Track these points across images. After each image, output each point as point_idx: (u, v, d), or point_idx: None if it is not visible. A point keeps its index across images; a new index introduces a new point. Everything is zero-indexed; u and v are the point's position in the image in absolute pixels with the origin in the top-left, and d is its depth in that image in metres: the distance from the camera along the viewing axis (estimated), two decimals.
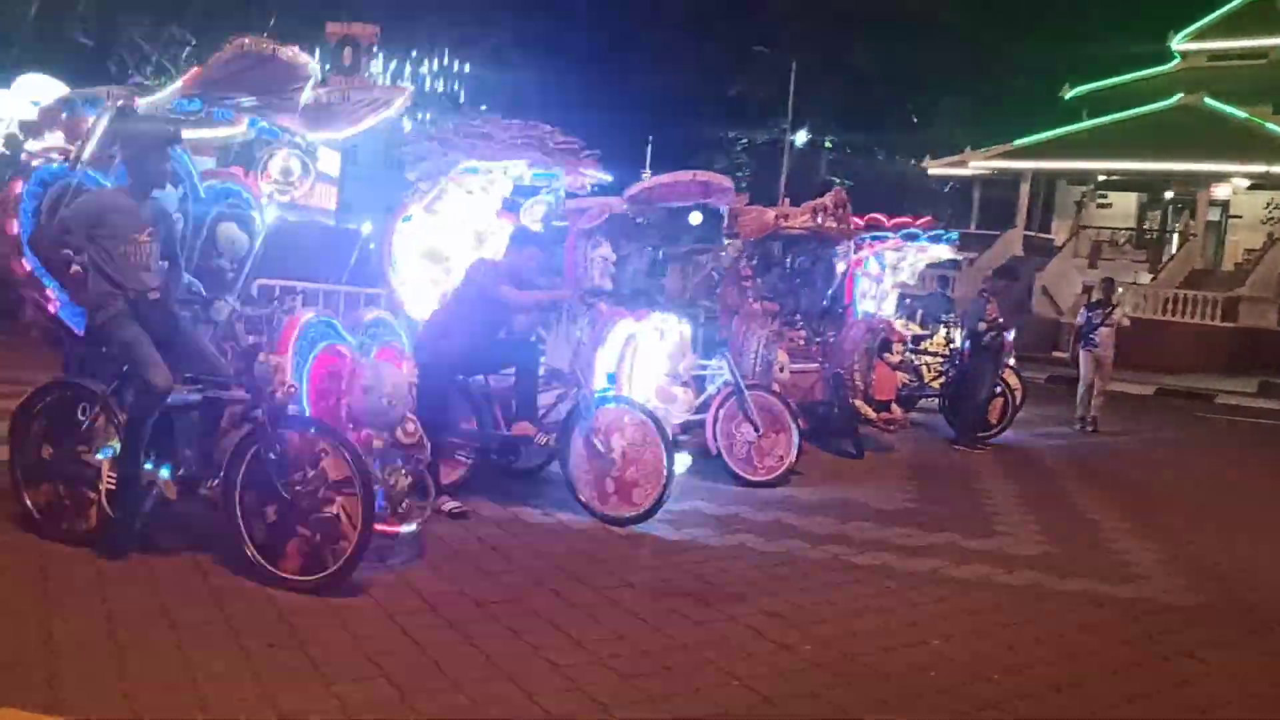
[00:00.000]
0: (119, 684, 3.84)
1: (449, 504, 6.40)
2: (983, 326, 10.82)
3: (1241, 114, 28.25)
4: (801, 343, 10.26)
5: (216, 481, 5.08)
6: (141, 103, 5.16)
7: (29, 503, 5.36)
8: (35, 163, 5.33)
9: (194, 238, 6.03)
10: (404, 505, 5.33)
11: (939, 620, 5.38)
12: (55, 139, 5.36)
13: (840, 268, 11.57)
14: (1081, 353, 13.49)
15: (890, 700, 4.36)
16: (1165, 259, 29.70)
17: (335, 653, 4.27)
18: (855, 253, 11.82)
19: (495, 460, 6.96)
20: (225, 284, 6.11)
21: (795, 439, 8.18)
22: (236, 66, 4.97)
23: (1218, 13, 32.51)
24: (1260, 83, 29.96)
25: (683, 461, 7.11)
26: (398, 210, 6.89)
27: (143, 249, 5.20)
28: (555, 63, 39.72)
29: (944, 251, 13.23)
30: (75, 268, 5.22)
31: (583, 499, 6.69)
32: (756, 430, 8.11)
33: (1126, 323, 13.82)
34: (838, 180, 39.09)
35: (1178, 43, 33.40)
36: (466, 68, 33.72)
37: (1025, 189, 32.45)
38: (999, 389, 11.59)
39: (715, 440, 8.11)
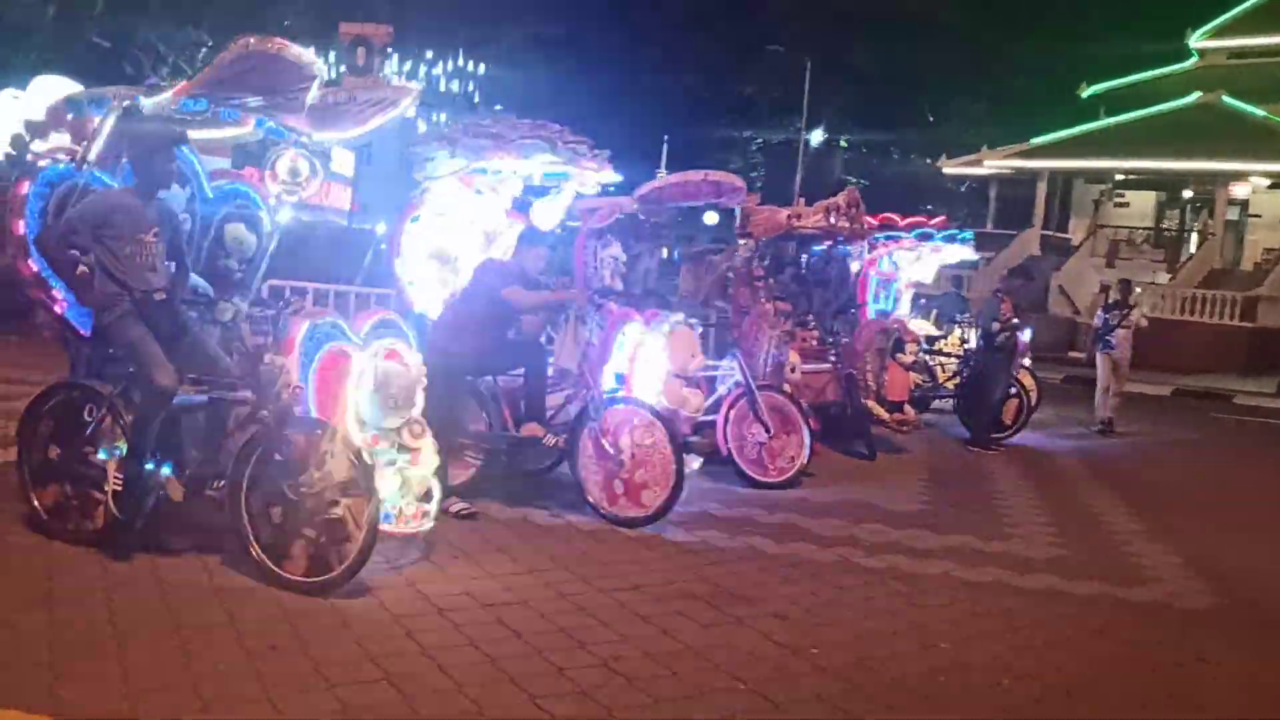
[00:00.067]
0: (121, 685, 3.83)
1: (457, 505, 6.38)
2: (996, 326, 10.75)
3: (1261, 112, 28.01)
4: (814, 343, 10.20)
5: (222, 482, 5.07)
6: (147, 103, 5.14)
7: (37, 503, 5.36)
8: (41, 163, 5.33)
9: (201, 238, 6.03)
10: (410, 507, 5.32)
11: (949, 624, 5.32)
12: (61, 139, 5.36)
13: (854, 268, 11.52)
14: (1099, 355, 13.32)
15: (899, 705, 4.31)
16: (1183, 258, 29.49)
17: (338, 655, 4.25)
18: (869, 253, 11.77)
19: (504, 461, 6.93)
20: (233, 284, 6.09)
21: (806, 440, 8.13)
22: (242, 66, 4.95)
23: (1236, 10, 32.27)
24: None
25: (691, 463, 7.07)
26: (406, 210, 6.87)
27: (149, 249, 5.20)
28: (570, 63, 39.74)
29: (963, 252, 13.16)
30: (82, 268, 5.21)
31: (591, 500, 6.66)
32: (768, 431, 8.07)
33: (1144, 324, 13.64)
34: (853, 180, 38.97)
35: (1196, 40, 33.17)
36: (481, 68, 33.72)
37: (1042, 188, 32.27)
38: (1013, 389, 11.51)
39: (726, 441, 8.06)
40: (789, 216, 9.93)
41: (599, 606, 5.10)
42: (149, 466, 5.08)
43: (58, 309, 5.30)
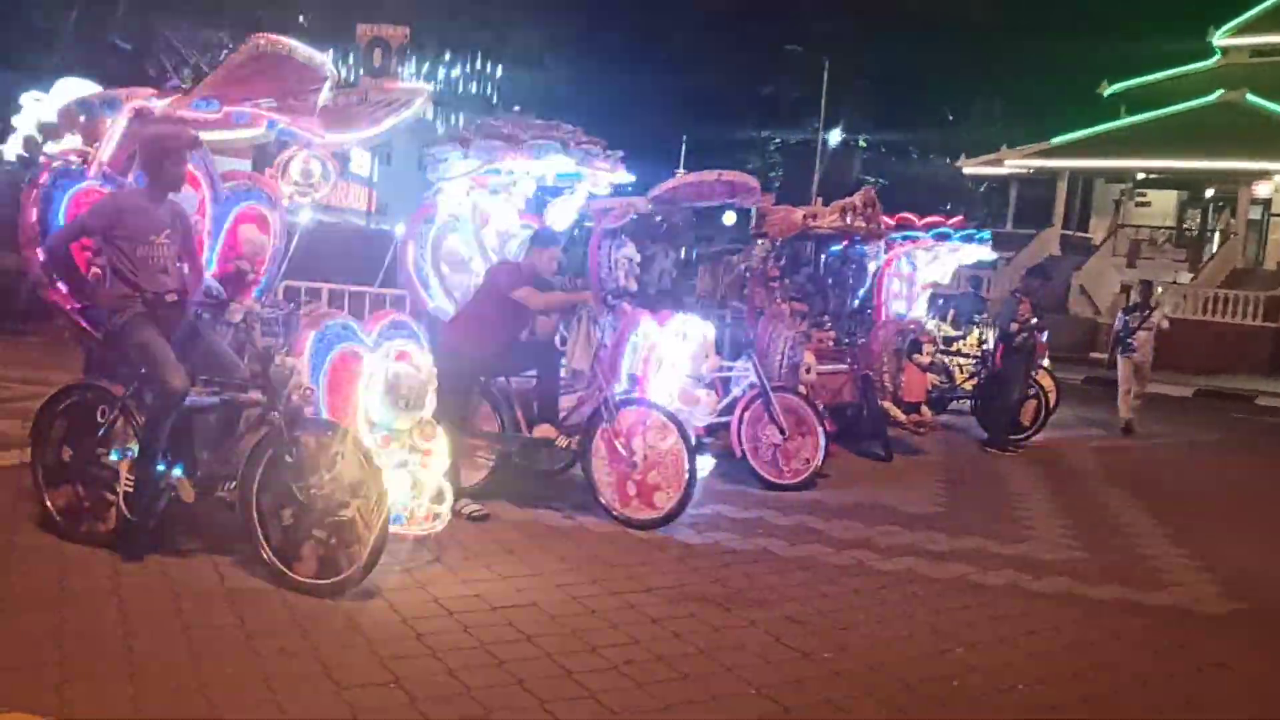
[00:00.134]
0: (128, 688, 3.82)
1: (469, 507, 6.36)
2: (1014, 327, 10.66)
3: None
4: (830, 344, 10.14)
5: (233, 484, 5.07)
6: (158, 105, 5.15)
7: (49, 504, 5.38)
8: (54, 165, 5.34)
9: (214, 240, 6.02)
10: (421, 509, 5.31)
11: (964, 628, 5.27)
12: (73, 141, 5.37)
13: (871, 268, 11.46)
14: (1119, 358, 13.14)
15: (912, 710, 4.27)
16: (1205, 258, 29.25)
17: (348, 658, 4.23)
18: (886, 253, 11.70)
19: (517, 462, 6.92)
20: (245, 286, 6.09)
21: (821, 441, 8.08)
22: (253, 68, 4.95)
23: (1260, 7, 31.94)
24: None
25: (705, 464, 7.03)
26: (419, 212, 6.87)
27: (160, 251, 5.20)
28: (588, 64, 39.81)
29: (981, 252, 13.06)
30: (94, 270, 5.22)
31: (604, 502, 6.63)
32: (782, 433, 8.02)
33: (1166, 325, 13.46)
34: (871, 180, 38.84)
35: (1218, 38, 32.87)
36: (499, 70, 33.80)
37: (1062, 188, 32.06)
38: (1032, 390, 11.42)
39: (740, 442, 8.02)
40: (805, 217, 9.89)
41: (610, 609, 5.08)
42: (160, 468, 5.08)
43: (70, 310, 5.31)
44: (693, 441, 6.67)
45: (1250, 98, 28.08)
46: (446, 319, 6.88)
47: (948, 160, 38.88)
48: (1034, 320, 10.78)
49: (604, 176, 7.15)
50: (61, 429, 5.37)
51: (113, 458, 5.18)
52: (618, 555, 5.99)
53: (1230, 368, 22.23)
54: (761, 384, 8.05)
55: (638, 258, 8.02)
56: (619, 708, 4.02)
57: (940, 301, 14.02)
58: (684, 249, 10.45)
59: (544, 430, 6.58)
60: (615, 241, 7.89)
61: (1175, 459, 12.13)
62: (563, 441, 6.61)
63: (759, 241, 10.10)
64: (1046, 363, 12.14)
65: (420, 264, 7.00)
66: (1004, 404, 10.96)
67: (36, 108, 11.16)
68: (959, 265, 14.39)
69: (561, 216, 7.49)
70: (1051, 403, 11.77)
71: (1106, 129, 30.90)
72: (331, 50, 25.95)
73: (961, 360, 12.44)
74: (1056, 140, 31.44)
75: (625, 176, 7.21)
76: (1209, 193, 32.06)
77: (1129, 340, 12.90)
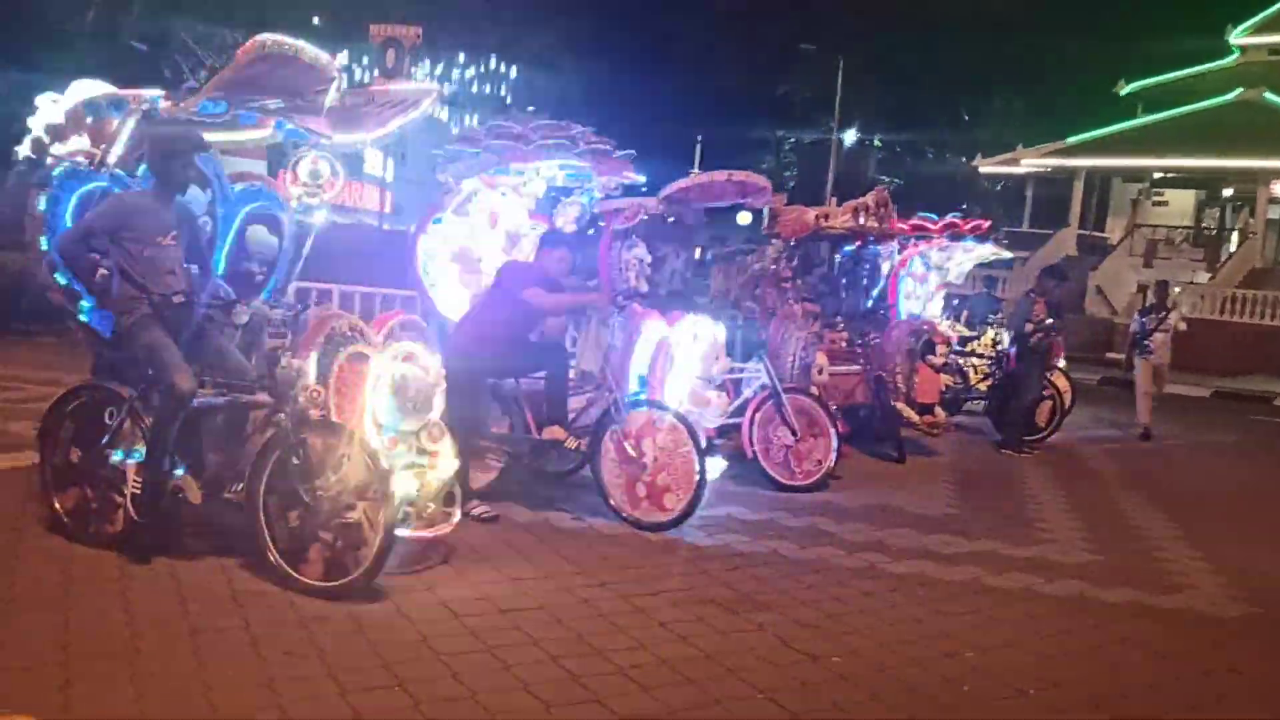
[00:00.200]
0: (131, 690, 3.82)
1: (478, 508, 6.35)
2: (1029, 328, 10.59)
3: None
4: (843, 345, 10.09)
5: (240, 485, 5.06)
6: (165, 106, 5.15)
7: (58, 505, 5.39)
8: (61, 166, 5.34)
9: (222, 241, 6.02)
10: (429, 510, 5.29)
11: (975, 631, 5.22)
12: (80, 142, 5.37)
13: (884, 268, 11.40)
14: (1137, 361, 12.97)
15: (920, 714, 4.23)
16: (1224, 258, 29.07)
17: (352, 661, 4.22)
18: (900, 253, 11.64)
19: (526, 464, 6.90)
20: (255, 287, 6.09)
21: (834, 443, 8.03)
22: (259, 69, 4.94)
23: (1278, 5, 31.72)
24: None
25: (715, 466, 7.00)
26: (428, 212, 6.86)
27: (168, 252, 5.20)
28: (603, 64, 39.79)
29: (996, 251, 12.97)
30: (101, 271, 5.22)
31: (614, 503, 6.61)
32: (794, 434, 7.98)
33: (1183, 327, 13.29)
34: (886, 180, 38.74)
35: (1236, 37, 32.64)
36: (513, 70, 33.81)
37: (1079, 187, 31.92)
38: (1047, 391, 11.34)
39: (751, 444, 7.98)
40: (817, 217, 9.84)
41: (618, 612, 5.05)
42: (168, 469, 5.08)
43: (78, 312, 5.32)
44: (703, 443, 6.64)
45: (1269, 96, 27.89)
46: (455, 320, 6.85)
47: (963, 159, 38.77)
48: (1049, 320, 10.69)
49: (614, 177, 7.11)
50: (70, 430, 5.38)
51: (120, 459, 5.18)
52: (627, 557, 5.96)
53: (1248, 369, 22.06)
54: (773, 385, 8.01)
55: (649, 258, 7.98)
56: (624, 712, 3.99)
57: (955, 302, 13.96)
58: (698, 249, 10.41)
59: (553, 432, 6.55)
60: (626, 242, 7.85)
61: (1191, 461, 12.03)
62: (572, 443, 6.59)
63: (772, 242, 10.06)
64: (1062, 363, 12.05)
65: (429, 265, 6.98)
66: (1019, 405, 10.89)
67: (53, 109, 11.22)
68: (975, 265, 14.34)
69: (571, 217, 7.46)
70: (1067, 404, 11.68)
71: (1124, 128, 30.74)
72: (346, 51, 26.11)
73: (976, 361, 12.36)
74: (1073, 139, 31.29)
75: (635, 177, 7.18)
76: (1227, 192, 31.87)
77: (1146, 342, 12.75)
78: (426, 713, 3.84)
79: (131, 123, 5.18)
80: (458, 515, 5.50)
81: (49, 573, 4.92)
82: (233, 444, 5.28)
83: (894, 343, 9.96)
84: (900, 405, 9.73)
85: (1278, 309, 24.20)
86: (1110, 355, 23.62)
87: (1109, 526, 7.79)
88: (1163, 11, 37.37)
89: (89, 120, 5.31)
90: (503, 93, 34.66)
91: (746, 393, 8.28)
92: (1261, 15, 32.07)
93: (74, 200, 5.33)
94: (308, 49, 5.01)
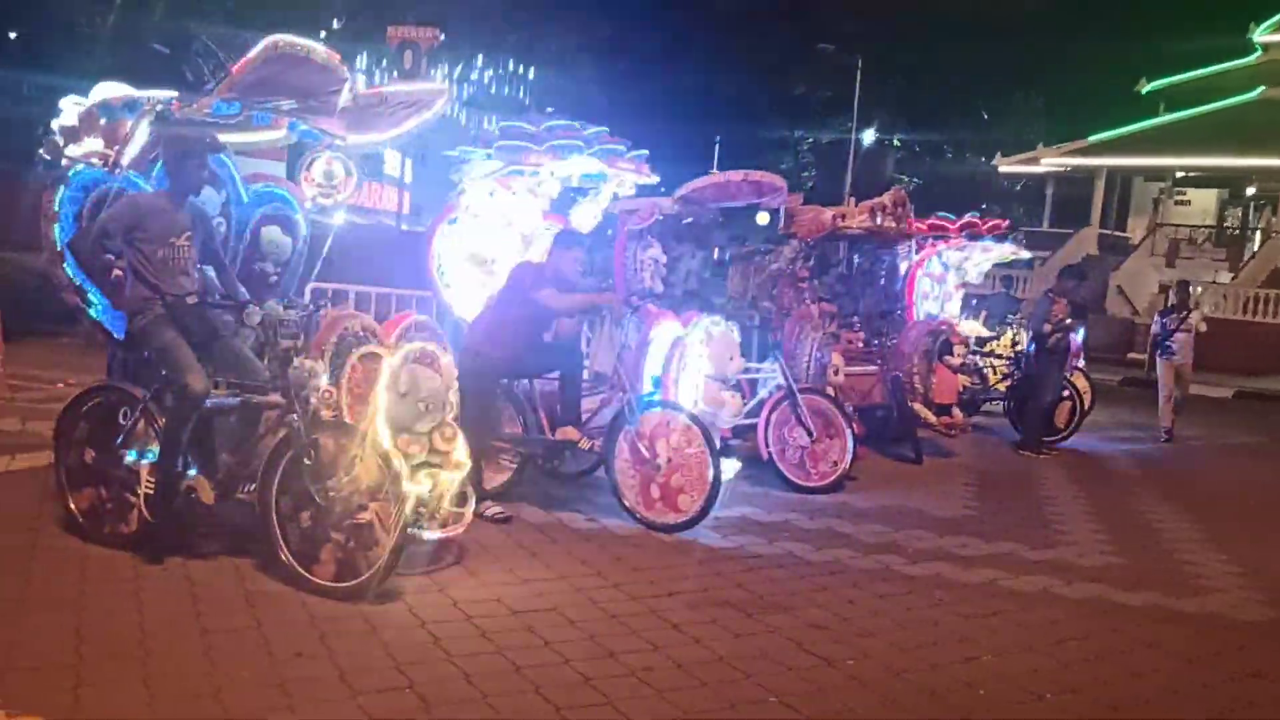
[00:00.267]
0: (142, 691, 3.81)
1: (492, 509, 6.33)
2: (1048, 328, 10.50)
3: None
4: (860, 345, 10.05)
5: (253, 486, 5.06)
6: (177, 106, 5.15)
7: (72, 506, 5.40)
8: (76, 168, 5.35)
9: (237, 241, 6.03)
10: (441, 511, 5.27)
11: (992, 635, 5.16)
12: (94, 144, 5.38)
13: (902, 268, 11.34)
14: (1159, 362, 12.82)
15: (935, 719, 4.18)
16: (1246, 257, 28.82)
17: (363, 662, 4.20)
18: (917, 253, 11.58)
19: (540, 465, 6.88)
20: (269, 287, 6.10)
21: (849, 444, 7.98)
22: (270, 69, 4.93)
23: None
24: None
25: (730, 467, 6.97)
26: (442, 213, 6.85)
27: (181, 253, 5.20)
28: (621, 64, 39.77)
29: (1015, 251, 12.88)
30: (115, 271, 5.23)
31: (627, 505, 6.58)
32: (810, 435, 7.93)
33: (1204, 328, 13.14)
34: (905, 179, 38.61)
35: (1259, 35, 32.28)
36: (531, 72, 33.83)
37: (1100, 186, 31.75)
38: (1066, 392, 11.24)
39: (767, 445, 7.94)
40: (834, 217, 9.80)
41: (631, 614, 5.02)
42: (181, 470, 5.08)
43: (92, 312, 5.33)
44: (717, 444, 6.60)
45: None
46: (469, 320, 6.84)
47: (983, 159, 38.60)
48: (1068, 321, 10.60)
49: (628, 177, 7.09)
50: (84, 431, 5.39)
51: (134, 459, 5.18)
52: (641, 559, 5.93)
53: (1271, 369, 21.85)
54: (788, 386, 7.97)
55: (664, 259, 7.95)
56: (636, 715, 3.96)
57: (973, 302, 13.87)
58: (716, 249, 10.37)
59: (567, 432, 6.53)
60: (641, 242, 7.83)
61: (1214, 462, 11.92)
62: (585, 444, 6.57)
63: (789, 242, 10.02)
64: (1081, 363, 11.95)
65: (444, 265, 6.97)
66: (1037, 405, 10.80)
67: (77, 111, 11.30)
68: (993, 265, 14.25)
69: (586, 218, 7.43)
70: (1086, 404, 11.58)
71: (1145, 127, 30.56)
72: (366, 54, 26.18)
73: (995, 361, 12.28)
74: (1094, 138, 31.12)
75: (649, 177, 7.15)
76: (1250, 191, 31.63)
77: (1168, 343, 12.61)
78: (437, 714, 3.82)
79: (144, 124, 5.18)
80: (470, 515, 5.48)
81: (63, 573, 4.93)
82: (245, 445, 5.27)
83: (911, 343, 9.90)
84: (917, 406, 9.66)
85: None
86: (1131, 356, 23.48)
87: (1129, 528, 7.71)
88: (1184, 10, 37.14)
89: (103, 122, 5.32)
90: (521, 94, 34.69)
91: (762, 393, 8.24)
92: None
93: (88, 201, 5.34)
94: (319, 49, 5.00)
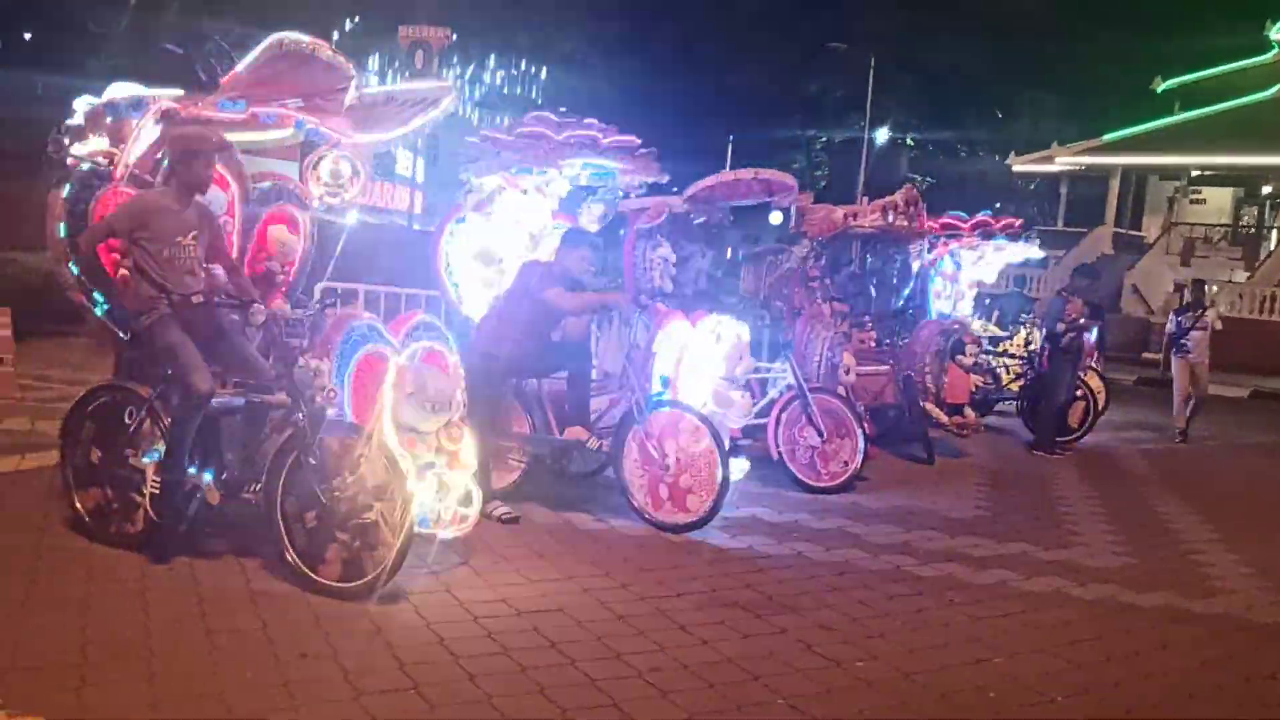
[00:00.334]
0: (145, 691, 3.79)
1: (500, 509, 6.30)
2: (1061, 327, 10.43)
3: None
4: (871, 344, 9.99)
5: (259, 486, 5.04)
6: (180, 105, 5.13)
7: (79, 506, 5.39)
8: (81, 167, 5.34)
9: (243, 240, 6.01)
10: (448, 511, 5.24)
11: (1003, 636, 5.11)
12: (100, 143, 5.36)
13: (914, 267, 11.27)
14: (1174, 360, 12.70)
15: None
16: (1262, 256, 28.62)
17: (368, 663, 4.18)
18: (929, 252, 11.51)
19: (548, 465, 6.85)
20: (276, 287, 6.07)
21: (860, 444, 7.93)
22: (275, 68, 4.91)
23: None
24: None
25: (740, 467, 6.93)
26: (450, 211, 6.82)
27: (187, 252, 5.18)
28: (633, 64, 39.75)
29: (1028, 250, 12.80)
30: (122, 271, 5.21)
31: (636, 505, 6.55)
32: (820, 435, 7.88)
33: (1219, 326, 13.02)
34: (918, 178, 38.48)
35: (1275, 32, 32.05)
36: (543, 71, 33.85)
37: (1115, 185, 31.58)
38: (1080, 392, 11.16)
39: (777, 445, 7.90)
40: (845, 215, 9.74)
41: (638, 615, 4.98)
42: (186, 470, 5.06)
43: (98, 311, 5.32)
44: (726, 444, 6.55)
45: None
46: (477, 320, 6.81)
47: (997, 158, 38.45)
48: (1082, 320, 10.52)
49: (638, 175, 7.05)
50: (91, 430, 5.37)
51: (140, 459, 5.16)
52: (649, 559, 5.89)
53: None
54: (799, 385, 7.92)
55: (673, 258, 7.91)
56: (642, 717, 3.92)
57: (987, 301, 13.80)
58: (729, 248, 10.33)
59: (575, 432, 6.50)
60: (651, 241, 7.79)
61: (1228, 461, 11.81)
62: (594, 444, 6.54)
63: (801, 240, 9.97)
64: (1096, 363, 11.86)
65: (452, 264, 6.95)
66: (1051, 405, 10.73)
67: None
68: (1007, 264, 14.16)
69: (594, 216, 7.40)
70: (1100, 404, 11.49)
71: (1160, 125, 30.39)
72: (377, 55, 26.23)
73: (1008, 361, 12.20)
74: (1109, 137, 30.96)
75: (660, 176, 7.12)
76: (1266, 189, 31.41)
77: (1183, 341, 12.50)
78: (441, 716, 3.80)
79: (149, 122, 5.16)
80: (476, 515, 5.45)
81: (69, 572, 4.92)
82: (251, 444, 5.25)
83: (923, 343, 9.85)
84: (929, 406, 9.61)
85: None
86: (1146, 355, 23.33)
87: (1143, 529, 7.64)
88: (1200, 8, 36.87)
89: (108, 120, 5.31)
90: (534, 94, 34.70)
91: (772, 393, 8.20)
92: None
93: (94, 200, 5.32)
94: (325, 48, 4.99)
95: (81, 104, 5.77)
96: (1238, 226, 32.24)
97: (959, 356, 9.80)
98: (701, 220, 7.95)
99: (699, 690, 4.20)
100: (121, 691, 3.78)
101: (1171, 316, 13.25)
